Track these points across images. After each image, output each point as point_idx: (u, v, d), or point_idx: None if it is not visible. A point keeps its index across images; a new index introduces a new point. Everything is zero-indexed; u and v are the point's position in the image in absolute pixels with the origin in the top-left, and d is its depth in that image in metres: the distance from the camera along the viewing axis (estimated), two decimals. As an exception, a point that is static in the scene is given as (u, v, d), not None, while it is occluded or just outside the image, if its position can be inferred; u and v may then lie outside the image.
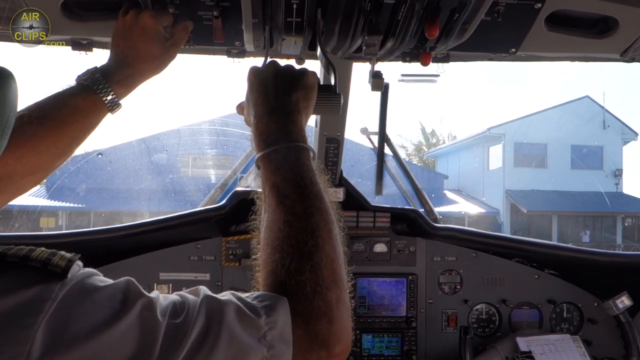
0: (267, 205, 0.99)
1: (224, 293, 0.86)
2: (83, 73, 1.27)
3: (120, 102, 1.30)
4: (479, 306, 2.43)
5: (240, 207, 2.34)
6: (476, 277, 2.43)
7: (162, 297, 0.81)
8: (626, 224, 26.87)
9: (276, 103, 1.09)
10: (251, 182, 2.96)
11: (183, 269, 2.28)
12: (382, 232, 2.39)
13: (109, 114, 1.30)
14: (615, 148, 27.09)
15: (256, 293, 0.88)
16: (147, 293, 0.79)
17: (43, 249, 0.74)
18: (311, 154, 1.04)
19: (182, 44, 1.36)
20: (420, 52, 1.43)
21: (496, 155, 26.51)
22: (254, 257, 1.00)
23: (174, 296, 0.82)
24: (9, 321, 0.67)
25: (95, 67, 1.28)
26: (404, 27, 1.25)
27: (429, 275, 2.42)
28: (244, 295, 0.86)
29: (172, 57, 1.36)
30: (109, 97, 1.26)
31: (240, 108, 1.24)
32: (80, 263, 0.77)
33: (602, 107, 26.38)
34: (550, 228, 24.76)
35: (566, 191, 24.52)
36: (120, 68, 1.29)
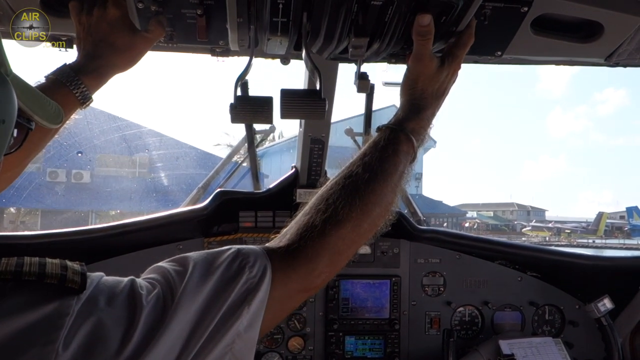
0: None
1: None
2: (52, 71, 1.26)
3: (92, 96, 1.29)
4: (461, 308, 2.43)
5: (222, 208, 2.31)
6: (459, 279, 2.43)
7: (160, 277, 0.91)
8: (432, 223, 30.86)
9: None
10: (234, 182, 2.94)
11: None
12: (366, 233, 2.37)
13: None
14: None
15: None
16: (149, 292, 0.84)
17: (52, 261, 0.76)
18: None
19: (156, 39, 1.33)
20: (406, 54, 1.42)
21: (312, 157, 29.96)
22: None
23: (165, 270, 0.93)
24: (31, 338, 0.69)
25: (65, 64, 1.28)
26: (390, 29, 1.24)
27: (412, 277, 2.41)
28: None
29: (144, 50, 1.35)
30: (80, 90, 1.25)
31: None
32: (88, 273, 0.80)
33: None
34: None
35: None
36: (89, 61, 1.28)
